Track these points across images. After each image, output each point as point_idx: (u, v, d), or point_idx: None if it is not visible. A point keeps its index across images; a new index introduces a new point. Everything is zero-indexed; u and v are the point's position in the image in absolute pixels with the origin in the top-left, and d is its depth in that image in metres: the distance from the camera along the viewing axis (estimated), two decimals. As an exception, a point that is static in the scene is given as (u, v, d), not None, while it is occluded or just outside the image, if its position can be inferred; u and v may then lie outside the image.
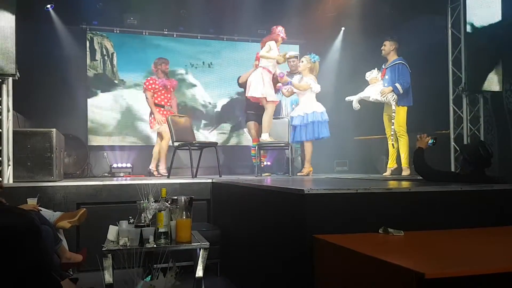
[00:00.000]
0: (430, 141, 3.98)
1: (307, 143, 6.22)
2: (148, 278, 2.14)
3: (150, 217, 3.05)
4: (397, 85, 5.75)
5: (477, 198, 2.83)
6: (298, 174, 6.30)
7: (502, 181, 3.56)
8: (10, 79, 4.61)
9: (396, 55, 5.93)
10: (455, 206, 2.74)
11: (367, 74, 6.12)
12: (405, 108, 5.80)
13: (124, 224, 2.95)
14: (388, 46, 5.93)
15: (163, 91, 6.60)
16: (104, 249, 2.83)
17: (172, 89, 6.74)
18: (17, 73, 4.50)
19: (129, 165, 7.79)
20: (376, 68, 6.11)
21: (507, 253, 2.09)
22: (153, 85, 6.53)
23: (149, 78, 6.64)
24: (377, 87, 5.96)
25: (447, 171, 4.39)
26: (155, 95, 6.54)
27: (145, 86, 6.56)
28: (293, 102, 6.69)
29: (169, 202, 3.10)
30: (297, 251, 2.55)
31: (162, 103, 6.60)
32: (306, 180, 4.57)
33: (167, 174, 6.03)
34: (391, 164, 5.91)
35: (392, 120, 5.79)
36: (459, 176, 3.66)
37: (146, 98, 6.54)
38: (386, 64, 6.00)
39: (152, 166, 6.60)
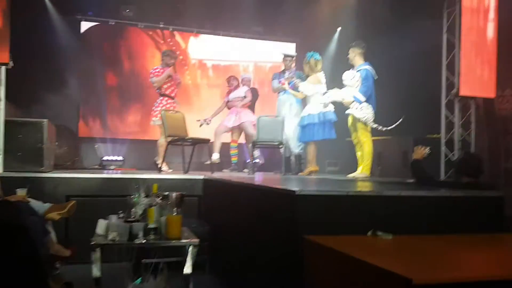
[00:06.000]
0: (426, 152, 3.99)
1: (311, 143, 6.22)
2: (139, 281, 2.14)
3: (140, 212, 3.05)
4: (358, 95, 5.63)
5: (466, 204, 2.86)
6: (300, 174, 6.30)
7: (492, 188, 3.61)
8: (3, 68, 4.56)
9: (361, 60, 5.80)
10: (444, 211, 2.77)
11: (347, 75, 5.81)
12: None
13: (113, 218, 2.95)
14: (350, 53, 5.84)
15: (172, 82, 6.43)
16: (92, 243, 2.83)
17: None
18: (11, 62, 4.45)
19: (120, 158, 7.74)
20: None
21: (495, 261, 2.12)
22: (160, 73, 6.36)
23: (155, 67, 6.48)
24: (351, 91, 5.75)
25: (449, 182, 4.45)
26: (165, 86, 6.38)
27: (152, 74, 6.37)
28: (298, 101, 6.68)
29: (160, 198, 3.10)
30: (287, 251, 2.56)
31: (172, 94, 6.44)
32: (299, 180, 4.59)
33: (168, 169, 6.08)
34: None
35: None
36: (462, 186, 3.66)
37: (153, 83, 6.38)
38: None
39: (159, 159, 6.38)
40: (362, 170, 5.71)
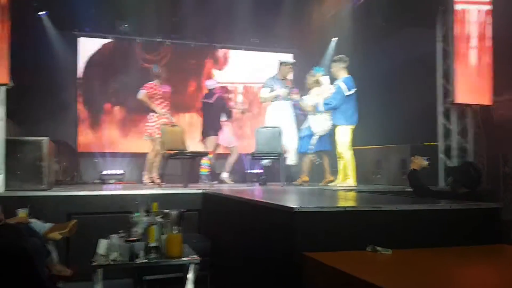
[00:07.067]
0: (424, 163, 4.01)
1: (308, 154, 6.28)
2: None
3: (141, 231, 3.07)
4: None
5: (465, 216, 2.87)
6: (293, 183, 6.37)
7: (489, 197, 3.63)
8: (3, 88, 4.57)
9: (345, 74, 5.91)
10: (443, 224, 2.78)
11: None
12: (344, 127, 5.84)
13: (114, 238, 2.96)
14: (333, 68, 5.99)
15: (162, 98, 6.43)
16: (94, 263, 2.84)
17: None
18: (11, 82, 4.47)
19: (120, 171, 7.74)
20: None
21: (495, 276, 2.14)
22: (154, 91, 6.33)
23: (149, 83, 6.36)
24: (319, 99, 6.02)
25: (445, 192, 4.48)
26: (157, 102, 6.33)
27: (145, 90, 6.30)
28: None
29: (160, 216, 3.12)
30: (287, 268, 2.57)
31: (163, 110, 6.41)
32: (298, 194, 4.58)
33: (160, 182, 6.07)
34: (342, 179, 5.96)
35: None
36: (457, 196, 3.67)
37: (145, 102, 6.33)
38: None
39: (146, 174, 6.46)
40: (342, 180, 5.95)
